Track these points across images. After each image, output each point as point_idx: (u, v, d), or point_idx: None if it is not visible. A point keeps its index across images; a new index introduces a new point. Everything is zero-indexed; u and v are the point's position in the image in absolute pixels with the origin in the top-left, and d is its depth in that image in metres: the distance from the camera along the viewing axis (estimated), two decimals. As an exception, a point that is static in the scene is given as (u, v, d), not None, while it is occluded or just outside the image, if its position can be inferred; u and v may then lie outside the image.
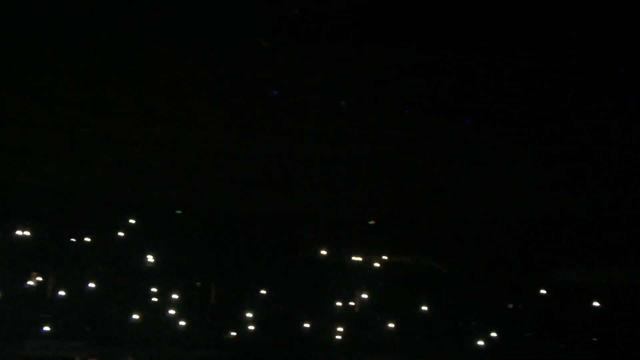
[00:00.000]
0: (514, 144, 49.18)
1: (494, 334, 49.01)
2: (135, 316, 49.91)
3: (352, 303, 51.26)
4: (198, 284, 51.90)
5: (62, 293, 50.42)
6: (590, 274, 50.03)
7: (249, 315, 50.30)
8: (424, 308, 49.89)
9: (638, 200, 47.30)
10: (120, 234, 51.87)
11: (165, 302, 50.68)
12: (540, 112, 48.16)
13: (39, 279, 50.79)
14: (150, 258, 51.47)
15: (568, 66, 45.95)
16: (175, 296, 50.76)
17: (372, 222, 51.09)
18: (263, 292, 51.14)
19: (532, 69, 46.46)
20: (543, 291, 50.12)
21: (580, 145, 47.66)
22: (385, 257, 51.98)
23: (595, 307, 49.17)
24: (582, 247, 49.29)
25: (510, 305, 50.75)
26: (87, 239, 51.64)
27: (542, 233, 49.21)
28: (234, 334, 50.53)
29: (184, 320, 50.20)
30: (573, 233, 48.87)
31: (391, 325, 49.73)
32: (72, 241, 51.55)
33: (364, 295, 51.12)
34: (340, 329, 50.06)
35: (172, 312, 50.48)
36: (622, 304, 48.69)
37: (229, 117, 50.14)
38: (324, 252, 52.01)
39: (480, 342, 48.85)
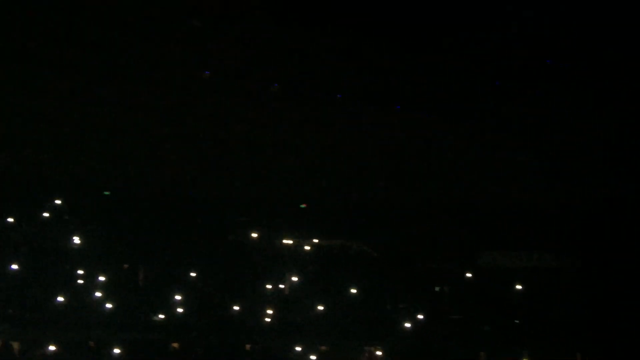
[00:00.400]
0: (437, 127, 50.12)
1: (420, 316, 50.30)
2: (60, 299, 49.06)
3: (281, 286, 51.61)
4: (126, 266, 51.25)
5: (-19, 274, 49.23)
6: (514, 258, 51.86)
7: (178, 297, 50.04)
8: (353, 291, 50.69)
9: (562, 187, 49.23)
10: (46, 214, 50.85)
11: (92, 285, 49.90)
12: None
13: (-42, 260, 49.42)
14: (76, 239, 50.55)
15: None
16: (102, 278, 50.00)
17: (303, 206, 51.53)
18: (192, 274, 50.91)
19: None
20: (469, 275, 51.64)
21: (509, 131, 49.09)
22: (315, 241, 52.49)
23: (518, 290, 51.04)
24: (507, 232, 51.06)
25: (437, 288, 52.07)
26: (10, 219, 50.44)
27: (469, 218, 50.65)
28: (162, 316, 50.14)
29: (110, 302, 49.56)
30: (498, 218, 50.52)
31: (320, 308, 50.30)
32: (-6, 221, 50.35)
33: (294, 279, 51.55)
34: (269, 312, 50.32)
35: (98, 294, 49.77)
36: (544, 287, 50.88)
37: (161, 98, 49.51)
38: (254, 235, 52.14)
39: (407, 324, 50.06)
